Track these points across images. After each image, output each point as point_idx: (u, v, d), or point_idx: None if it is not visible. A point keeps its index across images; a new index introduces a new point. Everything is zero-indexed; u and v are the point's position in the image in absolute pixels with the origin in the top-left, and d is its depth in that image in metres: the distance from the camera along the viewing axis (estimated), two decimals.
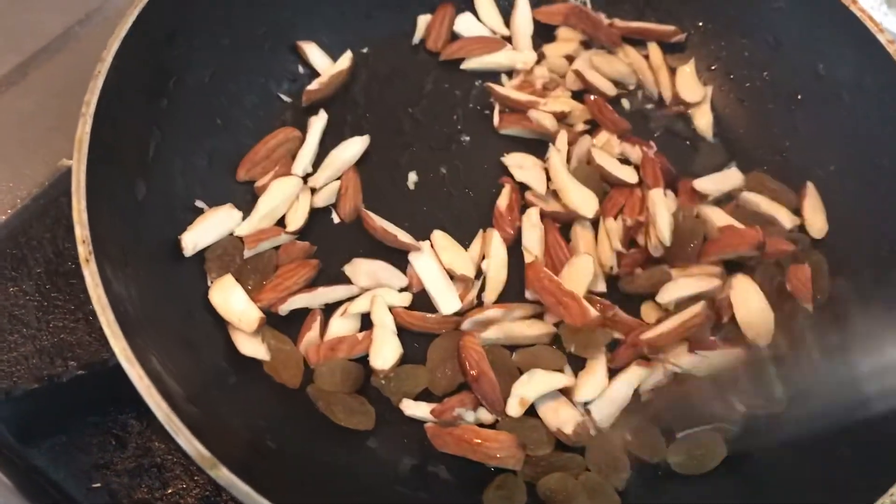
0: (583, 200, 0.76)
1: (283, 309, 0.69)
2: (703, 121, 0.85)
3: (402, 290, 0.72)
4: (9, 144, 0.80)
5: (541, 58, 0.87)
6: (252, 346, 0.67)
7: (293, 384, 0.66)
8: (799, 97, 0.82)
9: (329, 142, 0.79)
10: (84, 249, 0.54)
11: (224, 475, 0.49)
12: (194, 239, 0.68)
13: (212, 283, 0.68)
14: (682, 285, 0.72)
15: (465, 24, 0.88)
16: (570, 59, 0.87)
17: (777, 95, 0.84)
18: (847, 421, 0.62)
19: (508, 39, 0.88)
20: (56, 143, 0.79)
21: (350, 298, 0.71)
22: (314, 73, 0.82)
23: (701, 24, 0.87)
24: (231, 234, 0.71)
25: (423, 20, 0.87)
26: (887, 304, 0.69)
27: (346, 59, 0.82)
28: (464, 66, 0.86)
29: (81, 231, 0.54)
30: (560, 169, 0.77)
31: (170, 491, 0.67)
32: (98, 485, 0.66)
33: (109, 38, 0.64)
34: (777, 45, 0.83)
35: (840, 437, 0.62)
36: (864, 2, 1.05)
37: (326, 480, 0.59)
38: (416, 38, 0.87)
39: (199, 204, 0.71)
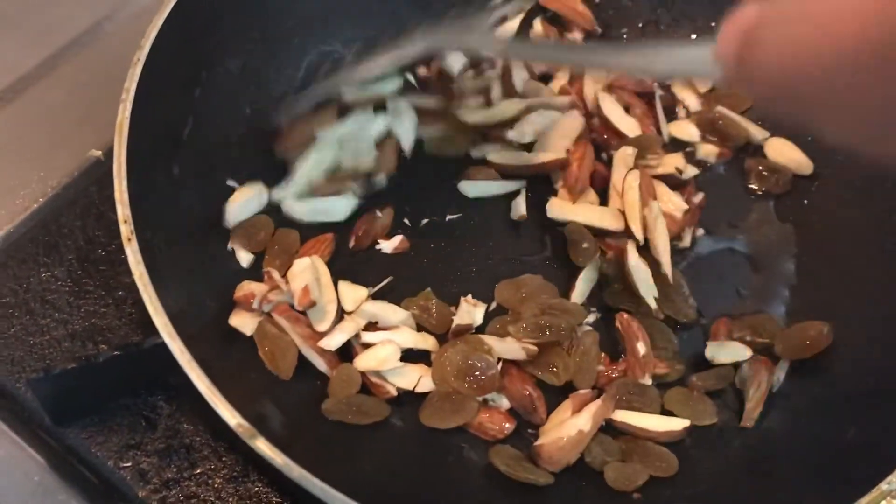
0: None
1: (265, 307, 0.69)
2: None
3: None
4: (38, 136, 0.83)
5: None
6: (241, 320, 0.67)
7: (286, 375, 0.65)
8: None
9: None
10: (126, 229, 0.56)
11: (263, 445, 0.51)
12: (235, 211, 0.71)
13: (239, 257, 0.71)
14: None
15: None
16: None
17: None
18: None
19: None
20: (84, 135, 0.81)
21: None
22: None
23: (714, 24, 0.89)
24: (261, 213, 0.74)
25: None
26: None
27: None
28: None
29: (123, 211, 0.56)
30: None
31: (198, 471, 0.68)
32: (128, 464, 0.67)
33: (135, 33, 0.65)
34: None
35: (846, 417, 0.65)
36: None
37: (360, 454, 0.61)
38: None
39: (231, 183, 0.74)
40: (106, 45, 0.89)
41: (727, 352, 0.71)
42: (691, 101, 0.87)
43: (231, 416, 0.51)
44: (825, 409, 0.67)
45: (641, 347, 0.68)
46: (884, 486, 0.55)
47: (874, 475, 0.56)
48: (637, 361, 0.68)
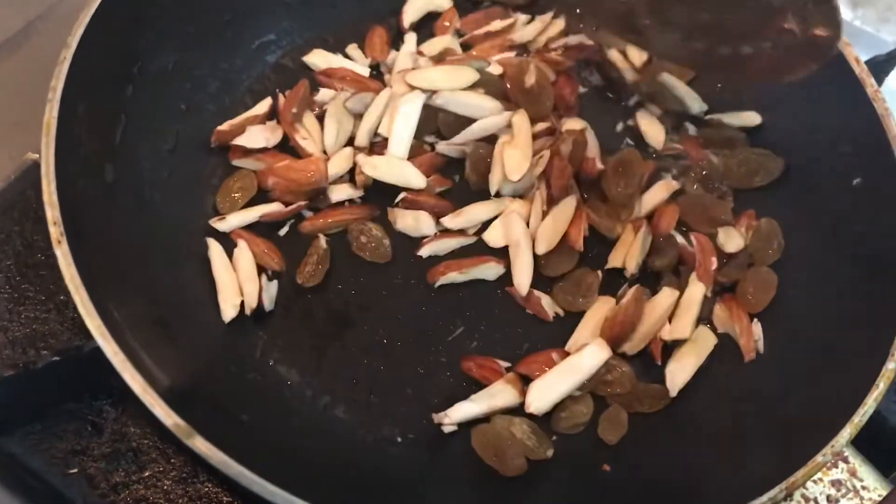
0: None
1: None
2: None
3: None
4: None
5: None
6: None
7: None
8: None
9: None
10: (56, 231, 0.55)
11: (200, 444, 0.51)
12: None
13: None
14: None
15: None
16: None
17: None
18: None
19: None
20: (20, 138, 0.79)
21: None
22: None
23: None
24: None
25: None
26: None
27: (264, 105, 0.81)
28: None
29: (52, 213, 0.55)
30: None
31: (147, 474, 0.67)
32: (75, 470, 0.66)
33: (70, 31, 0.64)
34: None
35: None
36: None
37: (298, 453, 0.61)
38: None
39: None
40: (40, 45, 0.87)
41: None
42: (627, 72, 0.88)
43: (167, 416, 0.51)
44: (765, 383, 0.69)
45: None
46: (819, 458, 0.56)
47: (812, 448, 0.57)
48: None
